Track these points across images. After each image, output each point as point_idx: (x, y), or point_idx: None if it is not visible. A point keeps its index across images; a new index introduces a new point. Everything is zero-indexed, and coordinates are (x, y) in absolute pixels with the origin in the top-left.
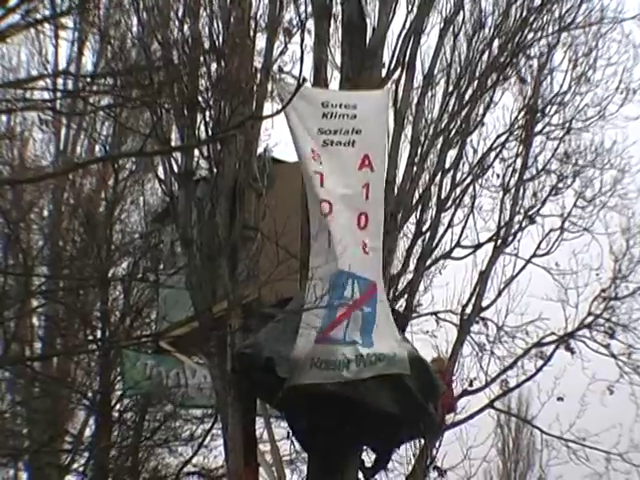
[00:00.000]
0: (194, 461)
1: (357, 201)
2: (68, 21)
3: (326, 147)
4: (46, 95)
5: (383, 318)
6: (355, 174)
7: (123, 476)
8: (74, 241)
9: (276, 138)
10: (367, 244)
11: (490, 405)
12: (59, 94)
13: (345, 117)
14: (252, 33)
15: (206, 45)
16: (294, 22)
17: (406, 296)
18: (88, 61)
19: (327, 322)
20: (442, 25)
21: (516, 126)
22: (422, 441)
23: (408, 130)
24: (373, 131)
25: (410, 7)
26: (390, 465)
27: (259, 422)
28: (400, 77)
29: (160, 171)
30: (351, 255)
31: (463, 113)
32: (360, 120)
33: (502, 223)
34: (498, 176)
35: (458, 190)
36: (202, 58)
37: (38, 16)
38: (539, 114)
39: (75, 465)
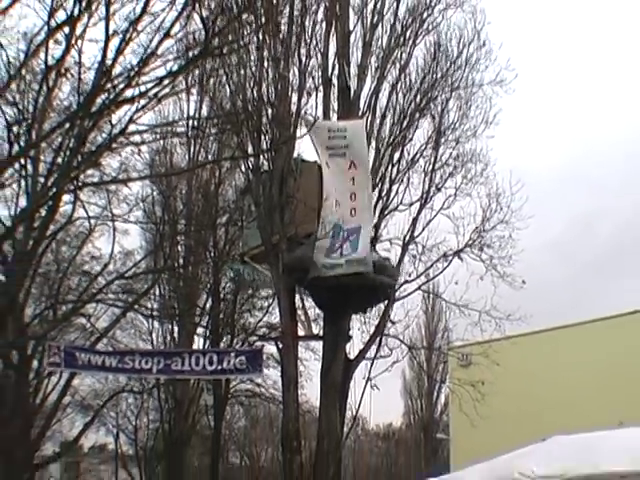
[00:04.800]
0: (264, 320)
1: (348, 186)
2: (194, 90)
3: (331, 157)
4: (182, 129)
5: (365, 238)
6: (346, 172)
7: (225, 328)
8: (198, 205)
9: (303, 148)
10: (355, 210)
11: (419, 288)
12: (190, 128)
13: (339, 138)
14: (290, 93)
15: (265, 99)
16: (312, 87)
17: (374, 230)
18: (204, 110)
19: (331, 248)
20: (390, 88)
21: (430, 140)
22: (383, 306)
23: (373, 144)
24: (357, 145)
25: (372, 80)
26: (367, 318)
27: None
28: (368, 116)
29: (242, 167)
30: (344, 216)
31: (402, 134)
32: (348, 139)
33: (423, 191)
34: (425, 166)
35: (401, 174)
36: (263, 107)
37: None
38: (442, 134)
39: (202, 323)
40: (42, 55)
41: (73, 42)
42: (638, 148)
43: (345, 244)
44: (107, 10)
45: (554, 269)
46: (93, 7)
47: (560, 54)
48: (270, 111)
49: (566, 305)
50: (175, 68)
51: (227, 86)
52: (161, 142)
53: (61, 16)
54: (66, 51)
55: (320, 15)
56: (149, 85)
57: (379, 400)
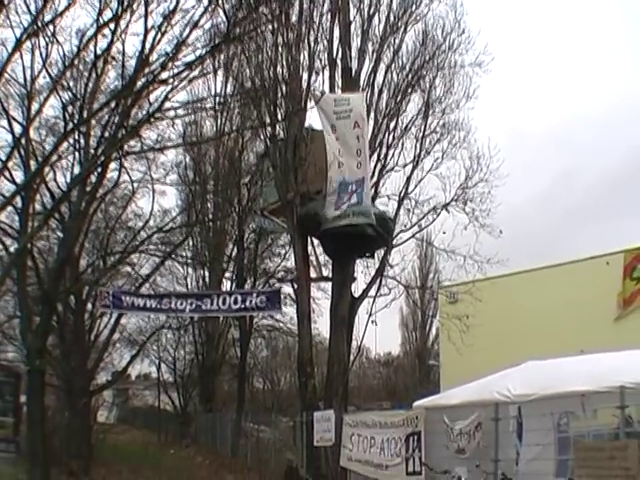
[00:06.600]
0: (282, 265)
1: (354, 142)
2: (220, 71)
3: (337, 120)
4: (210, 105)
5: (367, 191)
6: (352, 131)
7: (249, 272)
8: (224, 168)
9: (312, 119)
10: (360, 163)
11: (412, 236)
12: (217, 103)
13: (344, 105)
14: (301, 73)
15: (280, 78)
16: (319, 67)
17: (374, 188)
18: (229, 88)
19: (339, 202)
20: (385, 68)
21: (420, 111)
22: (382, 252)
23: (372, 115)
24: (358, 111)
25: (370, 61)
26: (369, 262)
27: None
28: (368, 91)
29: (261, 135)
30: (349, 170)
31: (396, 106)
32: (352, 106)
33: (415, 155)
34: (416, 133)
35: (396, 140)
36: (278, 85)
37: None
38: (430, 106)
39: (229, 268)
40: (92, 47)
41: (117, 36)
42: (610, 116)
43: (352, 196)
44: (146, 8)
45: (535, 220)
46: (134, 6)
47: (543, 34)
48: (284, 88)
49: (541, 250)
50: (203, 54)
51: (247, 68)
52: (192, 116)
53: (107, 15)
54: (111, 43)
55: (326, 7)
56: (181, 69)
57: (380, 332)
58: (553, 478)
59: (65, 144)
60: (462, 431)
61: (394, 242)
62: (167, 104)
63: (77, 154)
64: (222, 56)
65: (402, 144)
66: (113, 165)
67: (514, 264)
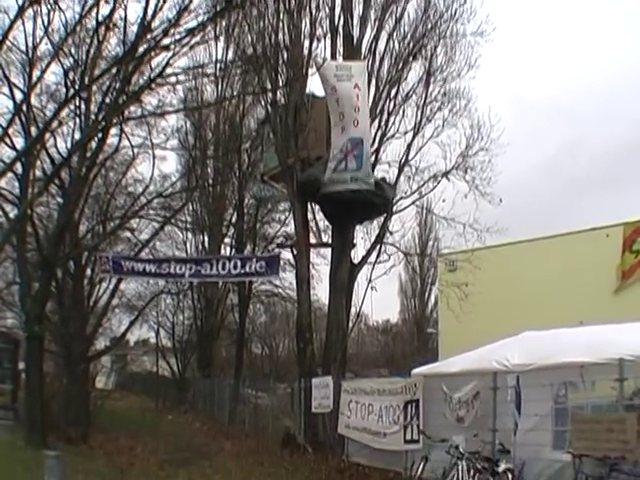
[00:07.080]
0: (282, 230)
1: (353, 101)
2: (221, 38)
3: (338, 82)
4: (211, 71)
5: (367, 156)
6: (352, 90)
7: (248, 238)
8: (225, 134)
9: (314, 86)
10: (358, 121)
11: (412, 203)
12: (218, 70)
13: (346, 70)
14: (302, 40)
15: (281, 45)
16: (321, 35)
17: (375, 154)
18: (230, 54)
19: (337, 162)
20: (387, 36)
21: (421, 79)
22: (382, 219)
23: (373, 82)
24: (359, 75)
25: (372, 29)
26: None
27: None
28: (369, 58)
29: (262, 102)
30: (348, 128)
31: (397, 74)
32: (353, 72)
33: (416, 122)
34: (417, 100)
35: (397, 107)
36: (280, 51)
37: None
38: (431, 74)
39: (228, 234)
40: (93, 14)
41: (119, 2)
42: (614, 86)
43: (349, 156)
44: None
45: (538, 189)
46: None
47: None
48: (285, 54)
49: (543, 220)
50: (205, 20)
51: (249, 34)
52: (193, 82)
53: None
54: (113, 10)
55: None
56: (183, 35)
57: (379, 299)
58: (550, 450)
59: (66, 110)
60: (461, 400)
61: (394, 209)
62: (168, 70)
63: (78, 120)
64: (224, 22)
65: (403, 111)
66: (113, 131)
67: (515, 233)
